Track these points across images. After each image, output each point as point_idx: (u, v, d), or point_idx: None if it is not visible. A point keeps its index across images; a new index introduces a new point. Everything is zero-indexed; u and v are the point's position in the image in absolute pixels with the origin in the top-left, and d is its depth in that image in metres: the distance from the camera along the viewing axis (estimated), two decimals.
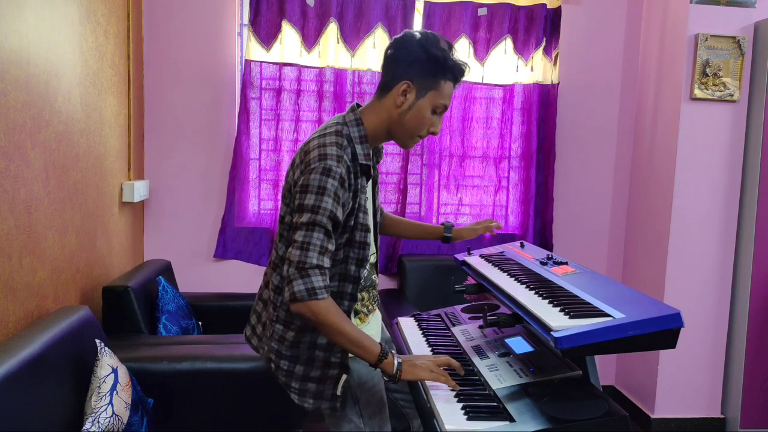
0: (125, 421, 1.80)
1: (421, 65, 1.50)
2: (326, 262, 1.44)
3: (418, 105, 1.53)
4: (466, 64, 1.56)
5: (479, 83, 3.22)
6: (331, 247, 1.46)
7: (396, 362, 1.49)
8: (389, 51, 1.56)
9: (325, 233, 1.44)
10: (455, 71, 1.53)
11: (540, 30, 3.18)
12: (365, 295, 1.68)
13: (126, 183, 2.83)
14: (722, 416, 3.10)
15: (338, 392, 1.58)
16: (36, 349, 1.66)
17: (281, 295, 1.57)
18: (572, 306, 1.52)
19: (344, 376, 1.58)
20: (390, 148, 3.21)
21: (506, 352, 1.80)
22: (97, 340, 1.91)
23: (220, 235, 3.14)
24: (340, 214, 1.47)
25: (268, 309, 1.63)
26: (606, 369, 3.44)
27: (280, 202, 1.67)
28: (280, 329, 1.58)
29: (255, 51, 3.05)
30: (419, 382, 1.70)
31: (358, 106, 1.62)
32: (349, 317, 1.61)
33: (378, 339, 1.68)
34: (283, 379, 1.60)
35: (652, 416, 3.07)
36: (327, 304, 1.42)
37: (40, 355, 1.66)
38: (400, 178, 3.21)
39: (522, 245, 2.34)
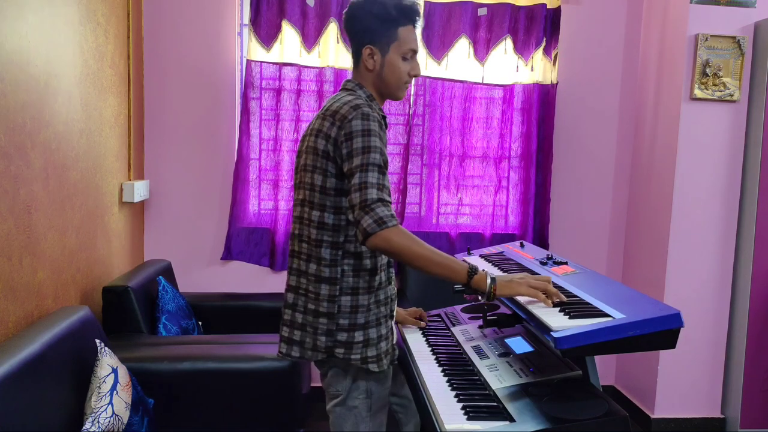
0: (125, 421, 1.81)
1: (373, 28, 1.60)
2: (386, 196, 1.48)
3: (387, 61, 1.62)
4: (414, 2, 1.64)
5: (479, 83, 3.22)
6: (387, 183, 1.51)
7: (489, 278, 1.53)
8: (345, 26, 1.66)
9: (379, 171, 1.49)
10: (405, 15, 1.61)
11: (540, 30, 3.18)
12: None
13: (126, 183, 2.83)
14: (722, 416, 3.10)
15: (394, 341, 1.67)
16: (36, 349, 1.66)
17: (339, 265, 1.57)
18: (572, 306, 1.52)
19: (393, 323, 1.67)
20: (390, 147, 3.21)
21: (506, 352, 1.80)
22: (97, 340, 1.92)
23: (227, 239, 3.14)
24: (386, 152, 1.54)
25: (308, 306, 1.61)
26: (606, 369, 3.44)
27: (293, 192, 1.71)
28: (349, 300, 1.57)
29: (255, 51, 3.05)
30: (420, 382, 1.70)
31: (350, 81, 1.70)
32: (387, 281, 1.65)
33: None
34: (357, 356, 1.57)
35: (652, 416, 3.07)
36: (398, 230, 1.46)
37: (40, 355, 1.66)
38: (400, 178, 3.21)
39: (522, 245, 2.34)
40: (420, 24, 1.67)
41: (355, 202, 1.46)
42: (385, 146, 1.55)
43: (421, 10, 2.92)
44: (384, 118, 1.67)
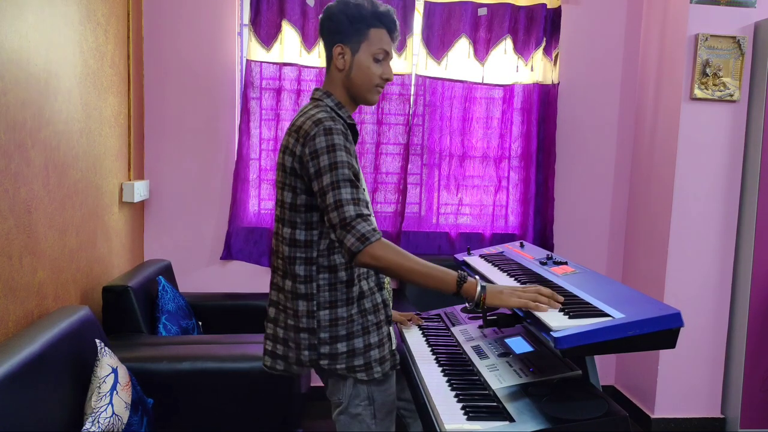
0: (125, 421, 1.80)
1: (344, 26, 1.59)
2: (364, 210, 1.46)
3: (356, 60, 1.60)
4: (387, 7, 1.62)
5: (479, 83, 3.22)
6: (362, 196, 1.49)
7: (479, 286, 1.51)
8: (319, 29, 1.65)
9: (351, 185, 1.47)
10: (377, 17, 1.60)
11: (540, 30, 3.18)
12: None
13: (126, 183, 2.83)
14: (722, 416, 3.10)
15: (393, 346, 1.63)
16: (36, 349, 1.66)
17: (314, 281, 1.56)
18: (572, 306, 1.52)
19: (391, 329, 1.64)
20: (390, 147, 3.21)
21: (506, 352, 1.80)
22: (97, 340, 1.92)
23: (227, 237, 3.14)
24: (355, 164, 1.52)
25: (288, 322, 1.60)
26: (606, 369, 3.44)
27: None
28: (327, 314, 1.56)
29: (255, 51, 3.05)
30: (420, 382, 1.70)
31: (318, 89, 1.68)
32: (379, 290, 1.64)
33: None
34: (344, 365, 1.56)
35: (652, 416, 3.07)
36: (382, 244, 1.45)
37: (40, 355, 1.66)
38: (400, 178, 3.21)
39: (522, 245, 2.34)
40: (396, 35, 1.64)
41: (335, 222, 1.45)
42: (353, 157, 1.52)
43: (421, 10, 2.87)
44: (353, 126, 1.63)
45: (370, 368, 1.57)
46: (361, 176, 1.65)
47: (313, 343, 1.56)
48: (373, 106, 3.09)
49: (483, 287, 1.51)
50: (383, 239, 1.46)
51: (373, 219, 1.49)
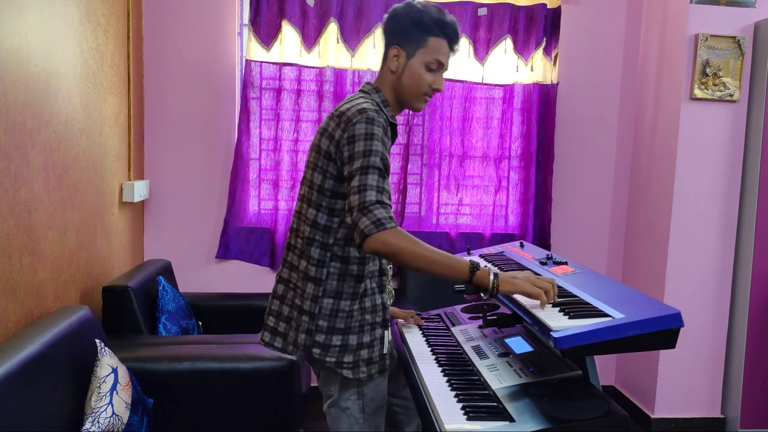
0: (125, 421, 1.81)
1: (405, 29, 1.61)
2: (385, 199, 1.46)
3: (410, 65, 1.61)
4: (453, 18, 1.63)
5: (479, 83, 3.22)
6: (387, 187, 1.49)
7: (492, 274, 1.50)
8: (383, 26, 1.67)
9: (378, 174, 1.47)
10: (440, 26, 1.60)
11: (540, 30, 3.18)
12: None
13: (126, 183, 2.83)
14: (722, 416, 3.10)
15: (385, 351, 1.63)
16: (36, 349, 1.66)
17: (326, 267, 1.57)
18: (572, 306, 1.52)
19: (387, 333, 1.64)
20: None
21: (506, 352, 1.80)
22: (97, 340, 1.92)
23: (222, 236, 3.14)
24: (388, 157, 1.52)
25: (295, 301, 1.61)
26: (606, 369, 3.44)
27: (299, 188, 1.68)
28: (330, 303, 1.57)
29: (255, 51, 3.05)
30: (420, 382, 1.70)
31: (369, 84, 1.69)
32: (381, 291, 1.64)
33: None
34: (333, 358, 1.57)
35: (652, 416, 3.07)
36: (396, 231, 1.44)
37: (40, 355, 1.66)
38: (400, 178, 3.21)
39: (522, 245, 2.34)
40: (457, 48, 1.65)
41: (354, 204, 1.45)
42: (388, 152, 1.53)
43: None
44: (394, 126, 1.65)
45: (357, 367, 1.58)
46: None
47: (311, 329, 1.58)
48: None
49: (496, 275, 1.51)
50: (398, 227, 1.46)
51: (391, 210, 1.50)
